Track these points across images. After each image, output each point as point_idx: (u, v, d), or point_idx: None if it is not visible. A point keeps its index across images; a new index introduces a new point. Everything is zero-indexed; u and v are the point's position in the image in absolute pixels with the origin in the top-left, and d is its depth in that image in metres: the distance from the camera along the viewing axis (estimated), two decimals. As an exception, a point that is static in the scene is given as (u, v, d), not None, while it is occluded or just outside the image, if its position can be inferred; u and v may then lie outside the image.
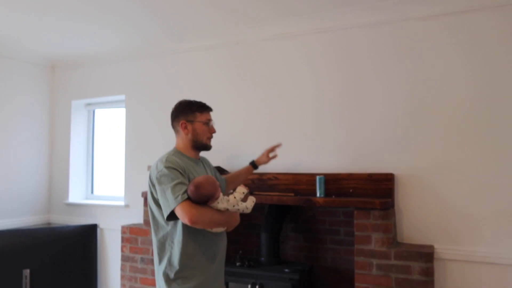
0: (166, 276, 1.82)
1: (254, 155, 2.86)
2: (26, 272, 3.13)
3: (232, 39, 3.14)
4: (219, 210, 1.77)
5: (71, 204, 3.84)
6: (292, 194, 2.71)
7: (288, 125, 2.97)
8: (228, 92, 3.22)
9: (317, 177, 2.62)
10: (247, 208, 1.85)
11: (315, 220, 2.94)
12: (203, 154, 2.06)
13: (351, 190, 2.62)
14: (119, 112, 3.88)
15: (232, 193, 1.87)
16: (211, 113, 2.04)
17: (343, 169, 2.72)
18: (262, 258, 2.92)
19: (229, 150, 3.14)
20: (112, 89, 3.70)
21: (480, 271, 2.36)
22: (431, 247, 2.43)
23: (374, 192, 2.56)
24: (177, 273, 1.79)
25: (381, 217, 2.36)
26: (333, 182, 2.68)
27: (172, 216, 1.75)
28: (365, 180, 2.60)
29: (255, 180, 2.94)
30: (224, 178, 2.31)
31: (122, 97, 3.67)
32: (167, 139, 3.42)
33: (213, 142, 2.03)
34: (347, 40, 2.80)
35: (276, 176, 2.88)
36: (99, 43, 3.42)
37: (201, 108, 1.98)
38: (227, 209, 1.79)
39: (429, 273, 2.27)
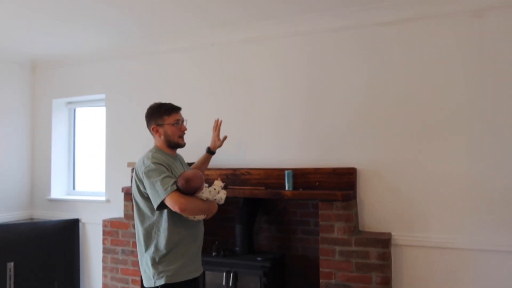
0: (152, 260, 2.03)
1: (227, 151, 3.05)
2: (10, 265, 3.25)
3: (207, 41, 3.30)
4: (202, 200, 2.03)
5: (54, 200, 3.95)
6: (263, 188, 2.90)
7: (259, 123, 3.15)
8: (203, 91, 3.38)
9: (286, 172, 2.81)
10: (221, 199, 2.13)
11: (286, 212, 3.13)
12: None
13: (317, 184, 2.83)
14: (99, 111, 4.00)
15: (208, 186, 2.12)
16: (183, 111, 2.23)
17: (310, 164, 2.92)
18: (237, 248, 3.10)
19: (203, 147, 3.30)
20: (92, 88, 3.81)
21: (432, 255, 2.59)
22: (389, 234, 2.66)
23: (337, 185, 2.77)
24: (162, 256, 2.02)
25: (343, 207, 2.58)
26: (301, 176, 2.88)
27: (160, 207, 1.99)
28: (330, 174, 2.81)
29: (229, 175, 3.12)
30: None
31: (102, 96, 3.79)
32: (145, 137, 3.57)
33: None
34: (311, 43, 3.00)
35: (248, 171, 3.07)
36: (79, 43, 3.53)
37: (168, 110, 2.15)
38: (208, 199, 2.06)
39: (385, 257, 2.50)
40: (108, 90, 3.75)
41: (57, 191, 4.00)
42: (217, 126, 2.77)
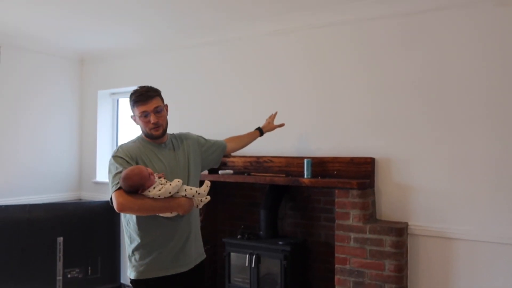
0: (128, 252, 1.98)
1: (257, 142, 3.20)
2: (60, 240, 3.63)
3: (234, 35, 3.44)
4: (152, 198, 1.80)
5: (99, 183, 4.31)
6: (284, 175, 3.02)
7: (281, 113, 3.24)
8: (232, 83, 3.53)
9: (305, 160, 2.91)
10: (198, 194, 1.91)
11: (310, 200, 3.23)
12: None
13: (335, 172, 2.90)
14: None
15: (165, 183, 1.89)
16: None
17: (329, 153, 2.99)
18: (261, 232, 3.25)
19: (231, 135, 3.46)
20: (132, 80, 4.10)
21: (449, 246, 2.59)
22: (405, 223, 2.68)
23: (355, 174, 2.83)
24: (134, 250, 1.93)
25: (358, 196, 2.64)
26: (320, 164, 2.96)
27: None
28: (348, 163, 2.87)
29: (253, 162, 3.27)
30: (219, 142, 2.36)
31: (141, 87, 4.06)
32: (178, 125, 3.80)
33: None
34: (331, 34, 3.04)
35: (271, 159, 3.19)
36: (120, 39, 3.82)
37: (134, 102, 1.95)
38: (161, 196, 1.81)
39: (399, 246, 2.54)
40: (145, 82, 3.99)
41: (102, 175, 4.36)
42: (273, 116, 2.84)
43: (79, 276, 3.66)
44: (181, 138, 2.16)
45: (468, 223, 2.54)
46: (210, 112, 3.62)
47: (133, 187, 1.78)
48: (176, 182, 1.86)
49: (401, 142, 2.76)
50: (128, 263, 1.96)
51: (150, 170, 1.83)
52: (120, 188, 1.78)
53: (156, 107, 1.94)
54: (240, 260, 3.25)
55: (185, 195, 1.87)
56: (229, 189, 3.59)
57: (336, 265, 2.70)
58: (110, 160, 1.90)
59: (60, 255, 3.61)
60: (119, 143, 4.45)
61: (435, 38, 2.67)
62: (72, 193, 4.34)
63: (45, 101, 4.15)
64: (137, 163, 1.88)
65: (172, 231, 1.94)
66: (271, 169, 3.17)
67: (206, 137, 2.33)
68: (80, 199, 4.35)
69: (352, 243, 2.65)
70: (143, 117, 1.93)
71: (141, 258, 1.91)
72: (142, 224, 1.90)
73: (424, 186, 2.68)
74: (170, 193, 1.82)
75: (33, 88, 4.05)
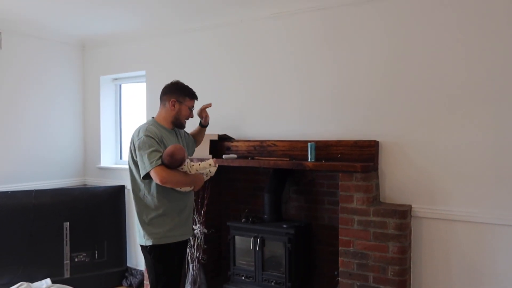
0: (143, 222, 2.27)
1: (257, 125, 3.20)
2: (66, 224, 3.67)
3: (236, 18, 3.40)
4: (184, 173, 2.23)
5: (103, 168, 4.34)
6: (287, 159, 3.02)
7: (285, 97, 3.24)
8: (233, 66, 3.50)
9: (309, 144, 2.91)
10: (210, 172, 2.36)
11: (314, 183, 3.24)
12: None
13: (339, 156, 2.90)
14: (141, 87, 4.27)
15: (198, 162, 2.37)
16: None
17: (333, 136, 2.98)
18: (265, 216, 3.28)
19: (233, 120, 3.47)
20: (134, 66, 4.08)
21: (453, 228, 2.60)
22: (409, 206, 2.69)
23: (359, 157, 2.83)
24: (151, 219, 2.25)
25: (362, 179, 2.64)
26: (324, 148, 2.95)
27: (146, 177, 2.18)
28: (352, 146, 2.86)
29: (256, 146, 3.27)
30: (192, 138, 2.73)
31: (143, 72, 4.04)
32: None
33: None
34: (335, 17, 2.99)
35: (274, 143, 3.19)
36: (120, 23, 3.77)
37: (191, 95, 2.41)
38: (191, 172, 2.25)
39: (402, 228, 2.55)
40: (148, 67, 3.99)
41: (106, 160, 4.38)
42: (205, 107, 2.76)
43: (86, 260, 3.72)
44: (178, 129, 2.53)
45: (471, 205, 2.54)
46: (211, 96, 3.59)
47: (179, 161, 2.15)
48: (208, 163, 2.32)
49: (405, 125, 2.74)
50: (143, 233, 2.25)
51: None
52: (161, 164, 2.12)
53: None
54: (244, 243, 3.29)
55: (202, 172, 2.31)
56: (233, 173, 3.60)
57: (340, 248, 2.73)
58: (142, 139, 2.17)
59: (67, 240, 3.66)
60: (123, 128, 4.52)
61: (438, 20, 2.63)
62: (77, 179, 4.37)
63: (48, 88, 4.14)
64: (165, 145, 2.22)
65: (184, 204, 2.32)
66: (275, 153, 3.17)
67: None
68: (85, 185, 4.38)
69: (355, 226, 2.67)
70: (189, 110, 2.39)
71: (159, 226, 2.23)
72: (161, 197, 2.22)
73: (428, 168, 2.67)
74: (197, 171, 2.27)
75: (35, 75, 4.04)
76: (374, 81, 2.86)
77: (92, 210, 3.82)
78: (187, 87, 2.42)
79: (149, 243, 2.23)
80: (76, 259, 3.68)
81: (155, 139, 2.18)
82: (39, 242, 3.56)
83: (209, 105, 2.73)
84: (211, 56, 3.62)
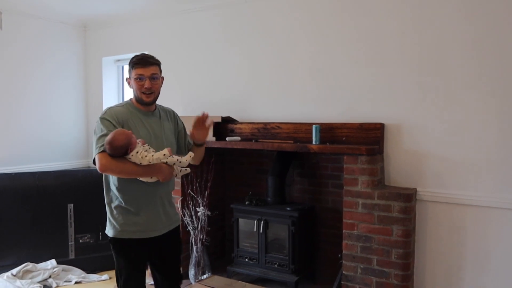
0: (109, 210, 2.01)
1: (260, 108, 3.15)
2: (71, 206, 3.68)
3: (240, -3, 3.33)
4: (133, 162, 1.84)
5: (106, 151, 4.33)
6: (292, 142, 2.99)
7: (289, 79, 3.19)
8: (236, 47, 3.44)
9: (313, 126, 2.87)
10: (180, 163, 1.94)
11: (318, 166, 3.23)
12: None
13: (343, 138, 2.87)
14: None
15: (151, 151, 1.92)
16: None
17: (338, 119, 2.95)
18: (269, 199, 3.27)
19: (237, 102, 3.43)
20: (136, 47, 4.01)
21: (458, 212, 2.58)
22: (414, 189, 2.67)
23: (364, 140, 2.80)
24: (114, 208, 1.97)
25: (367, 162, 2.61)
26: (329, 130, 2.92)
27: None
28: (357, 129, 2.83)
29: (260, 128, 3.24)
30: (190, 144, 2.24)
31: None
32: (183, 90, 3.77)
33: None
34: (346, -4, 2.93)
35: (278, 126, 3.16)
36: (123, 3, 3.70)
37: (133, 64, 1.97)
38: (141, 163, 1.84)
39: (407, 211, 2.54)
40: (150, 48, 3.92)
41: (109, 142, 4.36)
42: (199, 119, 2.12)
43: (90, 241, 3.73)
44: (170, 111, 2.22)
45: (478, 189, 2.52)
46: (214, 77, 3.55)
47: (118, 149, 1.81)
48: (162, 154, 1.89)
49: (411, 108, 2.70)
50: (107, 222, 2.02)
51: (130, 132, 1.88)
52: (104, 150, 1.82)
53: (153, 74, 1.97)
54: (248, 226, 3.29)
55: (166, 162, 1.91)
56: (237, 156, 3.58)
57: (343, 231, 2.72)
58: (97, 121, 1.92)
59: (71, 221, 3.67)
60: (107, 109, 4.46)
61: (448, 4, 2.56)
62: (80, 161, 4.37)
63: (49, 69, 4.10)
64: (122, 127, 1.90)
65: (149, 196, 1.98)
66: (279, 136, 3.14)
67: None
68: (89, 167, 4.38)
69: (360, 209, 2.65)
70: (138, 80, 1.96)
71: (118, 218, 1.96)
72: (122, 186, 1.94)
73: (434, 152, 2.64)
74: (150, 162, 1.86)
75: (36, 56, 3.99)
76: (380, 61, 2.80)
77: (96, 192, 3.77)
78: (133, 57, 2.00)
79: (110, 234, 2.00)
80: (80, 240, 3.70)
81: (111, 122, 1.89)
82: (44, 224, 3.58)
83: (204, 117, 2.08)
84: (214, 36, 3.56)
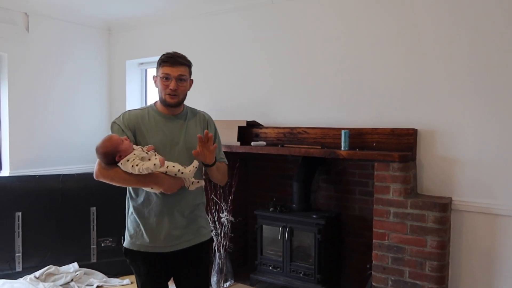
0: (126, 216, 1.89)
1: (287, 112, 3.06)
2: (93, 209, 3.66)
3: (266, -1, 3.27)
4: (125, 170, 1.67)
5: (129, 154, 4.31)
6: (319, 147, 2.90)
7: (317, 82, 3.10)
8: (261, 49, 3.38)
9: (342, 131, 2.78)
10: (182, 174, 1.72)
11: (345, 173, 3.13)
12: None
13: (374, 144, 2.76)
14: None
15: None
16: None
17: (368, 124, 2.85)
18: (294, 205, 3.18)
19: (262, 106, 3.36)
20: (160, 50, 3.97)
21: (496, 223, 2.45)
22: (449, 198, 2.55)
23: (396, 146, 2.69)
24: (128, 217, 1.87)
25: (399, 169, 2.50)
26: (358, 136, 2.82)
27: None
28: (388, 134, 2.72)
29: (286, 133, 3.16)
30: (222, 158, 2.00)
31: (169, 56, 3.96)
32: (206, 94, 3.71)
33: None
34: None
35: (305, 130, 3.07)
36: (147, 6, 3.70)
37: (161, 62, 1.83)
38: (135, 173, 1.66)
39: (442, 221, 2.41)
40: (175, 50, 3.90)
41: (132, 145, 4.35)
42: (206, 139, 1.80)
43: (112, 245, 3.71)
44: (202, 115, 1.98)
45: (519, 199, 2.38)
46: (238, 80, 3.49)
47: (103, 155, 1.68)
48: (152, 163, 1.66)
49: (447, 113, 2.58)
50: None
51: (125, 138, 1.71)
52: None
53: (181, 75, 1.81)
54: (272, 233, 3.21)
55: (165, 172, 1.70)
56: (260, 161, 3.51)
57: (374, 240, 2.61)
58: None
59: (93, 225, 3.65)
60: (123, 112, 4.44)
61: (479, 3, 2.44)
62: (103, 164, 4.36)
63: (73, 72, 4.12)
64: (134, 133, 1.79)
65: (159, 208, 1.78)
66: (305, 141, 3.06)
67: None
68: (111, 170, 4.36)
69: (391, 218, 2.54)
70: (164, 79, 1.80)
71: (130, 228, 1.85)
72: (134, 193, 1.83)
73: (471, 159, 2.51)
74: (140, 172, 1.64)
75: (61, 58, 4.01)
76: (412, 63, 2.69)
77: (118, 195, 3.76)
78: (162, 55, 1.86)
79: (124, 243, 1.88)
80: (102, 244, 3.68)
81: (120, 127, 1.77)
82: (67, 226, 3.57)
83: (205, 137, 1.75)
84: (239, 39, 3.50)
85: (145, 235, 1.79)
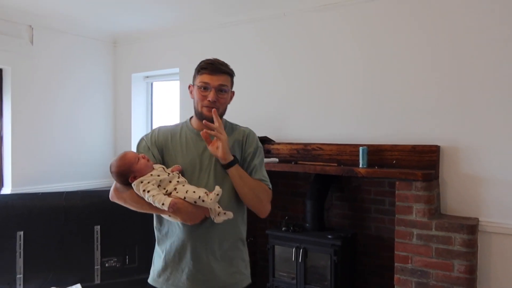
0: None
1: (300, 127, 2.94)
2: (97, 228, 3.52)
3: (278, 11, 3.17)
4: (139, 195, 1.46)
5: (134, 169, 4.19)
6: (335, 164, 2.78)
7: (333, 95, 2.99)
8: (274, 63, 3.28)
9: (360, 148, 2.65)
10: (202, 201, 1.43)
11: (360, 190, 3.00)
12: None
13: (394, 162, 2.64)
14: (173, 85, 4.10)
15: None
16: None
17: (387, 140, 2.72)
18: (307, 224, 3.04)
19: (276, 121, 3.24)
20: (167, 63, 3.90)
21: (527, 245, 2.31)
22: (476, 219, 2.41)
23: (417, 164, 2.56)
24: (154, 249, 1.66)
25: (423, 188, 2.37)
26: (376, 153, 2.70)
27: None
28: (409, 151, 2.60)
29: (300, 150, 3.04)
30: (263, 180, 1.67)
31: (176, 70, 3.87)
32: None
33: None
34: (390, 10, 2.74)
35: (320, 147, 2.95)
36: (153, 19, 3.61)
37: (200, 69, 1.59)
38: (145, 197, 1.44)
39: (471, 244, 2.27)
40: (182, 64, 3.81)
41: (137, 161, 4.23)
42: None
43: (117, 266, 3.56)
44: (241, 132, 1.68)
45: (551, 220, 2.24)
46: (250, 95, 3.38)
47: (115, 175, 1.51)
48: (161, 201, 1.40)
49: (471, 128, 2.46)
50: None
51: (142, 156, 1.50)
52: None
53: (222, 85, 1.56)
54: (284, 253, 3.06)
55: (184, 197, 1.43)
56: (271, 177, 3.34)
57: (395, 264, 2.47)
58: None
59: (97, 244, 3.50)
60: (153, 128, 4.35)
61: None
62: (107, 180, 4.23)
63: (78, 86, 4.02)
64: (161, 152, 1.58)
65: (181, 241, 1.52)
66: (320, 157, 2.93)
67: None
68: (116, 186, 4.23)
69: (414, 240, 2.40)
70: (201, 89, 1.55)
71: (154, 261, 1.63)
72: (157, 221, 1.61)
73: (498, 177, 2.38)
74: (147, 199, 1.43)
75: (65, 72, 3.92)
76: (434, 77, 2.58)
77: (123, 214, 3.59)
78: (201, 61, 1.63)
79: (149, 279, 1.63)
80: (106, 264, 3.53)
81: (146, 143, 1.59)
82: (70, 246, 3.43)
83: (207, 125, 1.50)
84: (250, 52, 3.40)
85: (167, 272, 1.54)
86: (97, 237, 3.51)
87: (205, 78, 1.55)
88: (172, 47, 3.89)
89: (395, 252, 2.47)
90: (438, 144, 2.54)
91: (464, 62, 2.48)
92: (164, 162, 1.57)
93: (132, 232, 3.68)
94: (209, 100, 1.53)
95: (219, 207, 1.48)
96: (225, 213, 1.49)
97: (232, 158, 1.51)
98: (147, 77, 4.29)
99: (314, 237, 2.92)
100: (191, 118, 1.66)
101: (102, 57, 4.22)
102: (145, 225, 3.74)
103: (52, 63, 3.82)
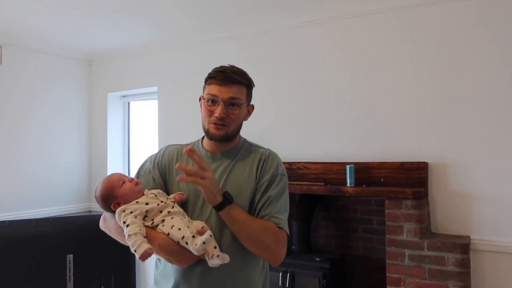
0: None
1: (285, 146, 2.85)
2: (70, 257, 3.31)
3: (260, 28, 3.12)
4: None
5: (110, 193, 3.99)
6: (322, 184, 2.69)
7: (318, 114, 2.92)
8: (258, 80, 3.17)
9: (347, 166, 2.58)
10: (186, 244, 1.20)
11: (346, 209, 2.91)
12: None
13: (382, 179, 2.57)
14: (151, 104, 3.97)
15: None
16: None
17: (374, 158, 2.66)
18: (293, 247, 2.93)
19: (259, 140, 3.10)
20: (145, 81, 3.78)
21: (520, 263, 2.26)
22: (467, 237, 2.34)
23: (406, 181, 2.50)
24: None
25: (413, 206, 2.30)
26: (364, 171, 2.63)
27: None
28: (397, 169, 2.53)
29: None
30: (269, 214, 1.35)
31: (155, 88, 3.74)
32: (198, 127, 3.47)
33: (242, 131, 1.40)
34: (376, 25, 2.72)
35: (305, 166, 2.86)
36: (131, 36, 3.50)
37: (208, 78, 1.35)
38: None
39: (464, 264, 2.20)
40: (160, 82, 3.69)
41: (113, 184, 4.04)
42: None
43: (92, 297, 3.34)
44: (259, 154, 1.40)
45: (543, 236, 2.20)
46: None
47: (97, 200, 1.33)
48: (137, 228, 1.19)
49: (460, 144, 2.42)
50: None
51: (129, 179, 1.29)
52: None
53: (233, 98, 1.30)
54: (271, 278, 2.89)
55: (168, 233, 1.20)
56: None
57: (388, 286, 2.36)
58: None
59: (70, 274, 3.29)
60: (131, 150, 4.19)
61: (492, 27, 2.34)
62: (81, 205, 4.01)
63: (51, 106, 3.83)
64: (164, 175, 1.37)
65: (175, 281, 1.29)
66: (306, 177, 2.84)
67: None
68: (90, 211, 4.02)
69: (406, 261, 2.31)
70: (208, 103, 1.30)
71: None
72: (156, 258, 1.37)
73: (488, 194, 2.34)
74: (125, 234, 1.20)
75: (37, 92, 3.73)
76: (421, 92, 2.55)
77: (98, 241, 3.45)
78: (214, 68, 1.37)
79: None
80: (80, 296, 3.30)
81: (149, 166, 1.41)
82: (40, 277, 3.20)
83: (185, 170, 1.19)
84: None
85: None
86: (69, 267, 3.29)
87: (213, 89, 1.30)
88: (150, 65, 3.77)
89: (387, 274, 2.37)
90: (427, 161, 2.49)
91: (453, 78, 2.46)
92: (165, 186, 1.37)
93: (108, 259, 3.49)
94: (216, 116, 1.29)
95: (215, 247, 1.22)
96: (218, 256, 1.20)
97: (220, 200, 1.19)
98: (124, 96, 4.15)
99: (302, 260, 2.80)
100: (203, 136, 1.42)
101: (77, 76, 4.06)
102: (122, 252, 3.55)
103: (24, 83, 3.63)
